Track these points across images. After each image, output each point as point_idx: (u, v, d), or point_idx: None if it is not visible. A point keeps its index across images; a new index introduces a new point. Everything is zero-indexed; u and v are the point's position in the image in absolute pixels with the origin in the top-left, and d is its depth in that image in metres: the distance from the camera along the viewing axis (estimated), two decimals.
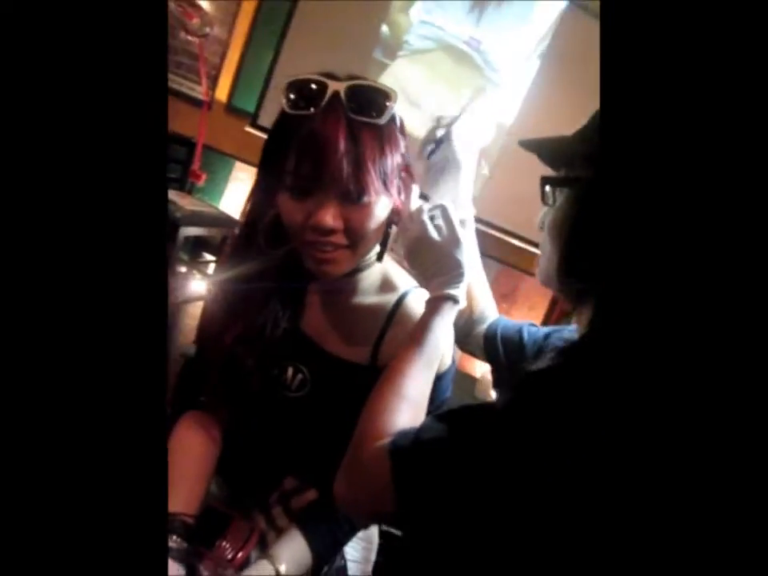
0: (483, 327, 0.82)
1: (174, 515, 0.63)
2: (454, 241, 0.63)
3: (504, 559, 0.44)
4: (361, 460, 0.52)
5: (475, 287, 0.83)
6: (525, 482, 0.40)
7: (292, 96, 0.60)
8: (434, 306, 0.61)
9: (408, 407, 0.55)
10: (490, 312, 0.84)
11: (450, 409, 0.50)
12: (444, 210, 0.64)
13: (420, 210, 0.64)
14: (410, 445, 0.48)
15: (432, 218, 0.64)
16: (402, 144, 0.64)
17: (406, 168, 0.66)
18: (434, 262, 0.63)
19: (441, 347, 0.61)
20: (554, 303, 3.15)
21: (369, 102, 0.59)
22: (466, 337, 0.83)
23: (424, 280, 0.65)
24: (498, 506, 0.42)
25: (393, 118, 0.62)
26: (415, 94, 2.74)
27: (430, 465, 0.46)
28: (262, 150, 0.65)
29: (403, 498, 0.47)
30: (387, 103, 0.60)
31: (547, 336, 0.74)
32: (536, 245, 3.24)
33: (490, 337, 0.80)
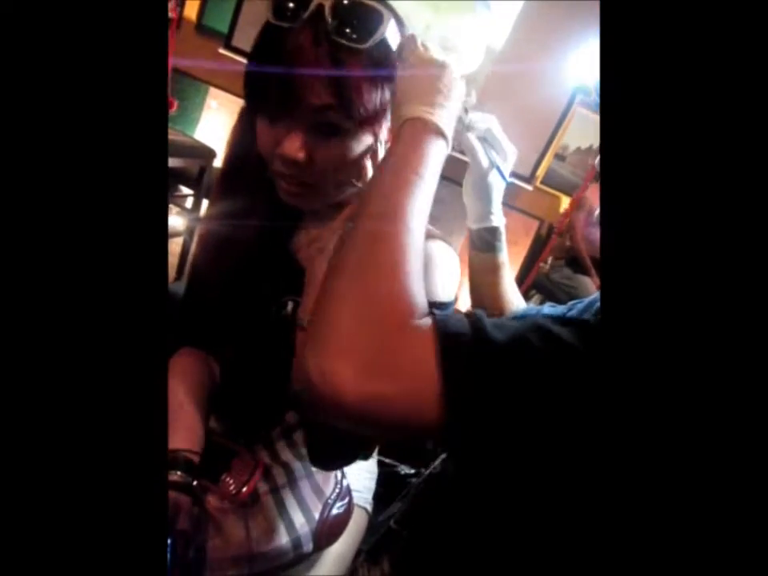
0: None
1: (177, 451, 0.62)
2: (442, 67, 0.51)
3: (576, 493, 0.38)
4: (395, 345, 0.37)
5: (507, 287, 0.77)
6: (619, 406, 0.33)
7: (276, 3, 0.52)
8: (412, 131, 0.47)
9: (418, 269, 0.42)
10: (520, 307, 0.78)
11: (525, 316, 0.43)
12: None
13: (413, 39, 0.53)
14: (466, 331, 0.37)
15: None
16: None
17: None
18: (411, 85, 0.50)
19: (432, 190, 0.47)
20: (537, 240, 3.16)
21: (356, 21, 0.51)
22: None
23: (397, 108, 0.51)
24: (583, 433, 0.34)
25: (384, 45, 0.53)
26: (402, 15, 2.58)
27: (491, 356, 0.36)
28: (247, 65, 0.59)
29: (456, 390, 0.35)
30: (377, 26, 0.51)
31: (570, 308, 0.72)
32: (523, 178, 3.21)
33: None
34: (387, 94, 0.55)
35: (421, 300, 0.40)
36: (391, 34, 0.53)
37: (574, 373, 0.35)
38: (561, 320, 0.39)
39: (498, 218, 0.73)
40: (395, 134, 0.49)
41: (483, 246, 0.73)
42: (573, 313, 0.71)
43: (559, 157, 3.03)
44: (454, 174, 0.74)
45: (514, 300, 0.77)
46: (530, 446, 0.36)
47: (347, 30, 0.50)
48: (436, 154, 0.47)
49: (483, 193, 0.70)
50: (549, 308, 0.76)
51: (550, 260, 2.88)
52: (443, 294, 0.58)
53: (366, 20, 0.51)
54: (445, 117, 0.49)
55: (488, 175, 0.68)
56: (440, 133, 0.48)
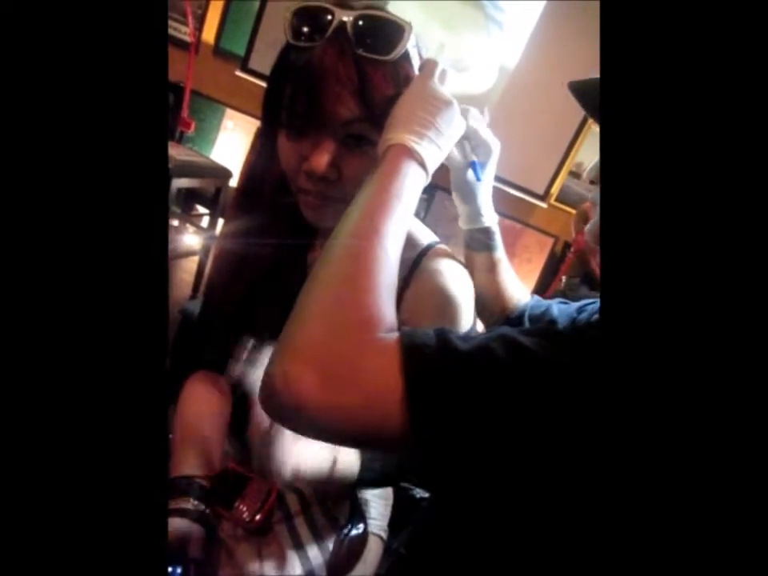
0: (514, 315, 0.74)
1: (191, 477, 0.61)
2: (446, 103, 0.51)
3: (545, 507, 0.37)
4: (355, 354, 0.37)
5: (507, 283, 0.75)
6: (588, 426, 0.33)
7: (296, 25, 0.53)
8: (394, 156, 0.47)
9: (389, 285, 0.42)
10: (523, 300, 0.77)
11: (494, 330, 0.40)
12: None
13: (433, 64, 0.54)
14: (433, 345, 0.37)
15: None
16: None
17: None
18: (407, 111, 0.50)
19: (408, 218, 0.48)
20: (551, 258, 3.13)
21: (378, 35, 0.52)
22: None
23: (386, 130, 0.51)
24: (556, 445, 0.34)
25: (406, 57, 0.54)
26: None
27: (456, 371, 0.35)
28: (266, 88, 0.59)
29: (417, 406, 0.35)
30: (399, 38, 0.52)
31: (581, 309, 0.70)
32: (537, 195, 3.19)
33: (515, 320, 0.73)
34: None
35: (389, 315, 0.40)
36: (412, 46, 0.54)
37: (539, 382, 0.34)
38: (530, 331, 0.39)
39: (489, 218, 0.71)
40: (379, 156, 0.49)
41: (477, 246, 0.72)
42: (584, 315, 0.69)
43: (574, 174, 3.02)
44: None
45: (516, 295, 0.75)
46: (496, 455, 0.35)
47: (371, 44, 0.51)
48: (414, 182, 0.48)
49: (466, 192, 0.68)
50: (558, 304, 0.73)
51: (564, 279, 2.85)
52: (464, 326, 0.58)
53: (388, 33, 0.52)
54: (431, 151, 0.50)
55: (465, 173, 0.66)
56: (422, 164, 0.49)
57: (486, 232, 0.72)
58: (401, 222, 0.46)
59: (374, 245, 0.42)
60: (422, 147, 0.49)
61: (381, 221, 0.44)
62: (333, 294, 0.40)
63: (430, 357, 0.36)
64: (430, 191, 2.29)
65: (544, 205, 2.99)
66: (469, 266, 0.74)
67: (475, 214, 0.70)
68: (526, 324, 0.72)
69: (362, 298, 0.39)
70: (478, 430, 0.35)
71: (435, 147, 0.50)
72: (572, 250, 2.73)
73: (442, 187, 2.65)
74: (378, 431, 0.36)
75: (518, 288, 0.76)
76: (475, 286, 0.75)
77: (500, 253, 0.74)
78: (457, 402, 0.35)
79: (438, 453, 0.37)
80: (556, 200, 3.04)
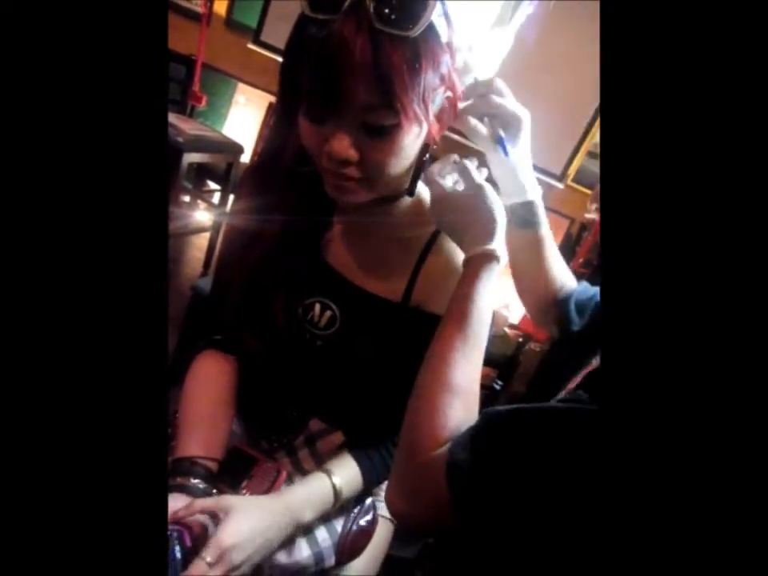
0: (559, 299, 0.70)
1: (196, 459, 0.60)
2: (476, 191, 0.58)
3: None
4: (415, 473, 0.48)
5: (549, 260, 0.70)
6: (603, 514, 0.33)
7: None
8: (472, 268, 0.55)
9: (459, 401, 0.50)
10: (568, 284, 0.72)
11: (504, 410, 0.45)
12: (458, 163, 0.61)
13: (433, 170, 0.61)
14: (468, 459, 0.44)
15: (446, 174, 0.61)
16: (446, 61, 0.52)
17: (452, 89, 0.55)
18: (461, 217, 0.58)
19: (487, 316, 0.54)
20: (567, 239, 3.08)
21: (399, 9, 0.47)
22: (545, 314, 0.71)
23: (457, 239, 0.60)
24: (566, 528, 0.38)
25: (431, 30, 0.49)
26: None
27: (490, 482, 0.43)
28: (281, 63, 0.55)
29: (464, 516, 0.44)
30: (422, 12, 0.47)
31: None
32: (554, 176, 3.10)
33: (562, 305, 0.68)
34: (436, 80, 0.51)
35: (443, 435, 0.48)
36: (437, 18, 0.49)
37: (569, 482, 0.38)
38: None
39: (532, 192, 0.66)
40: (466, 269, 0.56)
41: (519, 222, 0.68)
42: None
43: (592, 155, 2.94)
44: None
45: (559, 277, 0.70)
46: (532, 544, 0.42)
47: (391, 18, 0.46)
48: (493, 277, 0.55)
49: (503, 168, 0.64)
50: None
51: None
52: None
53: (410, 6, 0.47)
54: (501, 235, 0.56)
55: (496, 150, 0.62)
56: (496, 257, 0.55)
57: (529, 206, 0.66)
58: (480, 341, 0.53)
59: (443, 391, 0.50)
60: (497, 243, 0.55)
61: (455, 360, 0.51)
62: (409, 436, 0.51)
63: (466, 473, 0.43)
64: None
65: (561, 185, 2.93)
66: (510, 241, 0.67)
67: (515, 187, 0.65)
68: (572, 310, 0.67)
69: (427, 439, 0.48)
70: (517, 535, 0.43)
71: (502, 230, 0.56)
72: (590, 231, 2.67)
73: None
74: (441, 528, 0.52)
75: (563, 270, 0.71)
76: (516, 264, 0.71)
77: (545, 230, 0.68)
78: (493, 510, 0.43)
79: (485, 545, 0.50)
80: (573, 181, 2.98)
